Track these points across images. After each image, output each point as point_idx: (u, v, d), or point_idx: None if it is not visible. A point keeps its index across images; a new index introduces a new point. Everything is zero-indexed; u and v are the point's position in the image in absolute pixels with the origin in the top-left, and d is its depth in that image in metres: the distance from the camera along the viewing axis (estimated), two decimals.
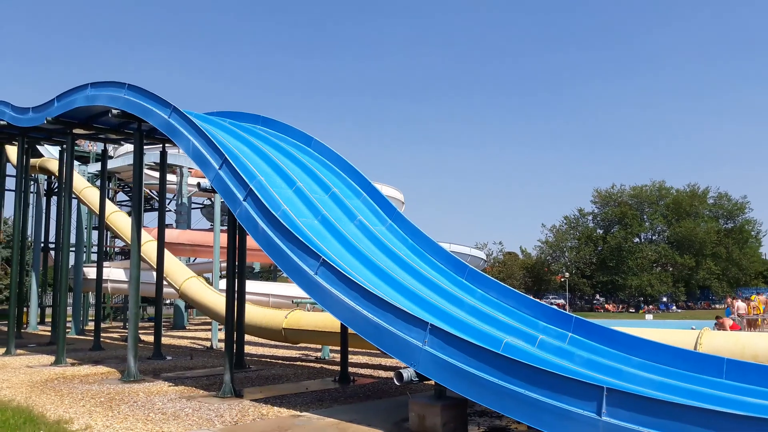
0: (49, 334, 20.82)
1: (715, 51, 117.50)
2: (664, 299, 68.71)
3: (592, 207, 74.64)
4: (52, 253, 31.01)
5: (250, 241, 12.12)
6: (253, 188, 10.50)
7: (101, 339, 19.01)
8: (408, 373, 7.97)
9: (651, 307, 64.25)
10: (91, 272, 24.24)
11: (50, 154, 27.87)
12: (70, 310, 24.31)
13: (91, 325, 25.87)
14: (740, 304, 27.26)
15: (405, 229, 11.99)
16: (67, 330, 19.27)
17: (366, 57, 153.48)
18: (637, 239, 71.65)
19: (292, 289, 19.79)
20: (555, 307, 10.20)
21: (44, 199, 32.27)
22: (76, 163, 24.07)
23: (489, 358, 7.31)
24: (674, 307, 66.18)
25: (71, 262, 25.23)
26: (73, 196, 20.86)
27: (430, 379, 7.96)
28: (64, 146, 17.89)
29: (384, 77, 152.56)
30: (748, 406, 7.00)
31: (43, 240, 31.22)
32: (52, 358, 15.35)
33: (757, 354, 9.18)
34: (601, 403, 6.29)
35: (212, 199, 27.58)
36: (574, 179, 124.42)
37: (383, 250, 11.12)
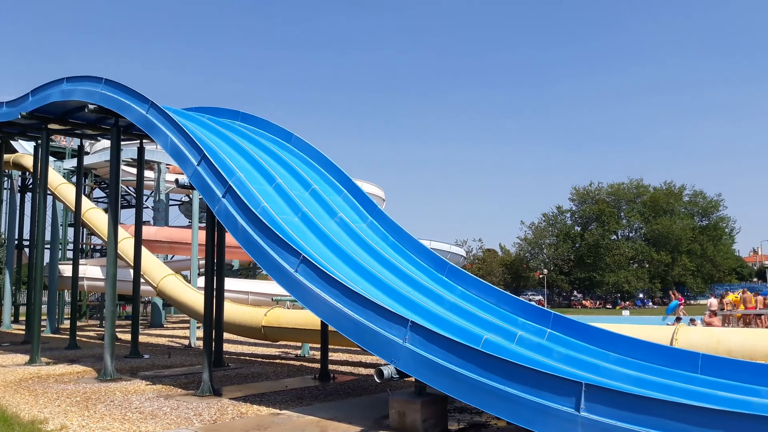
0: (24, 332, 20.43)
1: (694, 49, 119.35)
2: (641, 295, 69.67)
3: (571, 204, 75.38)
4: (27, 250, 30.47)
5: (229, 238, 12.02)
6: (232, 185, 10.41)
7: (77, 337, 18.75)
8: (388, 371, 7.96)
9: (627, 303, 65.04)
10: (66, 270, 23.90)
11: (25, 150, 27.34)
12: (45, 308, 23.92)
13: (66, 324, 25.52)
14: (712, 301, 27.76)
15: (386, 227, 11.99)
16: (42, 328, 18.96)
17: (346, 52, 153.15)
18: (614, 236, 72.50)
19: (272, 287, 19.69)
20: (534, 303, 10.27)
21: (18, 195, 31.68)
22: (51, 159, 23.67)
23: (469, 354, 7.34)
24: (650, 303, 67.12)
25: (46, 259, 24.83)
26: (49, 192, 20.50)
27: (410, 376, 7.98)
28: (39, 142, 17.57)
29: (364, 73, 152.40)
30: (721, 401, 7.14)
31: (17, 237, 30.64)
32: (27, 357, 15.08)
33: (731, 349, 9.37)
34: (579, 399, 6.35)
35: (190, 195, 27.28)
36: (553, 177, 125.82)
37: (364, 248, 11.10)
